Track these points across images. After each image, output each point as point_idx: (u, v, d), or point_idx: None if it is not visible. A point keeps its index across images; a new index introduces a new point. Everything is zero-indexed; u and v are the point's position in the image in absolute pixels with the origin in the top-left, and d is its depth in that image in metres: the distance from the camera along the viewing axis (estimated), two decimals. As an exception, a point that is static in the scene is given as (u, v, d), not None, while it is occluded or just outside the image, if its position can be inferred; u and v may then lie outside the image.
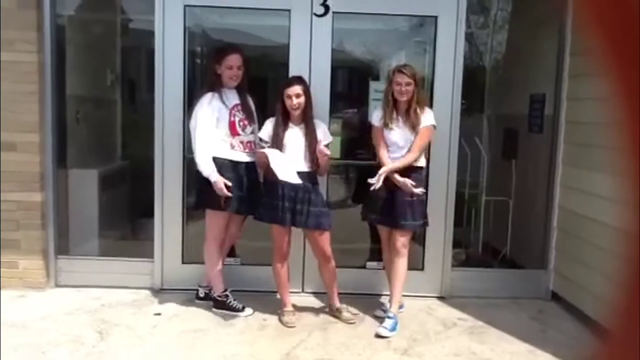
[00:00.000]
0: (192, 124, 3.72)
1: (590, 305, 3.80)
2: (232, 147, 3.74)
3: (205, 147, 3.67)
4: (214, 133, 3.68)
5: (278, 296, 3.92)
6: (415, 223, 3.73)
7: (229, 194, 3.64)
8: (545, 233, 4.44)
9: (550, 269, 4.40)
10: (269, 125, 3.73)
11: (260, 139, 3.76)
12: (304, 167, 3.65)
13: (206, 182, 3.68)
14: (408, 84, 3.59)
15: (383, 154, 3.70)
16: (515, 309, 4.19)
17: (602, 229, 3.68)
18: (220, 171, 3.67)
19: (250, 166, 3.80)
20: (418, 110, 3.63)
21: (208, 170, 3.66)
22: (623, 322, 0.44)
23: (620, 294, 0.44)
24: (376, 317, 3.88)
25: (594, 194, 3.82)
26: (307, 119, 3.67)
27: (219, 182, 3.62)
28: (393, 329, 3.67)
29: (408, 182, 3.59)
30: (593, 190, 3.83)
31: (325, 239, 3.74)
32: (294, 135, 3.67)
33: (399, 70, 3.64)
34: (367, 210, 3.84)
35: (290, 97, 3.61)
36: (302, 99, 3.63)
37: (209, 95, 3.72)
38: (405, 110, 3.67)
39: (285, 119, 3.68)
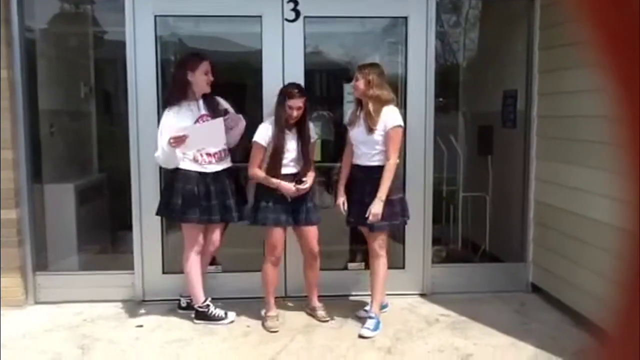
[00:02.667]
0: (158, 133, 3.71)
1: (570, 296, 3.86)
2: (196, 160, 3.73)
3: (160, 146, 3.64)
4: (164, 143, 3.63)
5: (263, 299, 3.89)
6: (385, 223, 3.66)
7: (186, 133, 3.56)
8: (523, 226, 4.50)
9: (529, 262, 4.46)
10: (263, 129, 3.75)
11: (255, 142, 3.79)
12: (297, 169, 3.72)
13: (171, 194, 3.69)
14: (357, 79, 3.64)
15: (343, 157, 3.85)
16: (497, 303, 4.24)
17: (577, 220, 3.74)
18: (186, 184, 3.69)
19: (219, 175, 3.79)
20: (371, 109, 3.60)
21: (164, 154, 3.62)
22: (623, 323, 0.43)
23: (620, 294, 0.44)
24: (359, 318, 3.89)
25: (568, 187, 3.88)
26: (301, 125, 3.74)
27: (169, 138, 3.55)
28: (376, 328, 3.68)
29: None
30: (567, 182, 3.90)
31: (315, 234, 3.81)
32: (289, 139, 3.72)
33: (357, 67, 3.75)
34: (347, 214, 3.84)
35: (292, 108, 3.66)
36: (301, 111, 3.69)
37: (174, 108, 3.72)
38: (365, 110, 3.67)
39: (284, 127, 3.70)
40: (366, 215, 3.58)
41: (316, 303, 3.96)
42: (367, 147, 3.67)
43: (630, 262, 0.42)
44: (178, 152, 3.65)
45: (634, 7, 0.39)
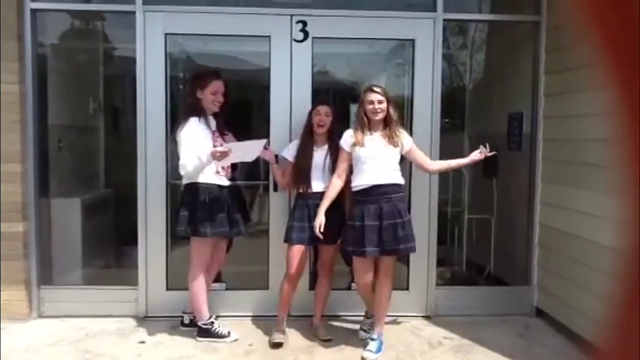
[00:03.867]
0: (180, 145, 3.68)
1: (575, 321, 3.83)
2: (217, 172, 3.75)
3: (192, 155, 3.59)
4: (199, 149, 3.61)
5: (268, 317, 3.91)
6: (412, 244, 3.62)
7: (231, 148, 3.56)
8: (528, 250, 4.48)
9: (534, 285, 4.44)
10: (292, 146, 3.87)
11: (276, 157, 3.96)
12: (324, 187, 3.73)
13: (194, 209, 3.68)
14: (380, 102, 3.56)
15: (334, 178, 3.64)
16: (501, 326, 4.21)
17: (582, 244, 3.73)
18: (211, 197, 3.68)
19: (230, 190, 3.81)
20: (396, 127, 3.62)
21: (200, 164, 3.59)
22: (620, 339, 0.44)
23: (616, 311, 0.44)
24: (361, 340, 3.86)
25: (573, 210, 3.88)
26: (330, 141, 3.79)
27: (214, 151, 3.54)
28: (378, 350, 3.66)
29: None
30: (572, 206, 3.89)
31: (330, 252, 3.86)
32: (318, 156, 3.78)
33: (370, 89, 3.61)
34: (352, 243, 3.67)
35: (319, 112, 3.77)
36: (329, 120, 3.77)
37: (194, 119, 3.73)
38: (382, 127, 3.62)
39: (310, 140, 3.80)
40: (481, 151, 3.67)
41: (317, 322, 3.95)
42: (385, 163, 3.56)
43: (629, 279, 0.42)
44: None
45: (633, 7, 0.39)
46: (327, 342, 3.83)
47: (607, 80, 0.41)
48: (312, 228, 3.65)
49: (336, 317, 4.13)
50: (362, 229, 3.49)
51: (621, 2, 0.40)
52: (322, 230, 3.57)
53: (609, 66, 0.41)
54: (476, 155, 3.71)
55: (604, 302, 0.46)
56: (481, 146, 3.70)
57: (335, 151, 3.73)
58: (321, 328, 3.92)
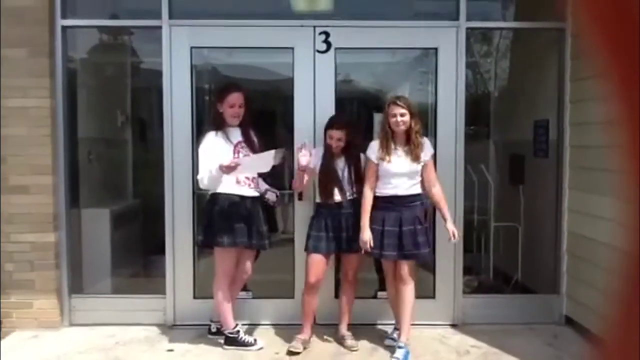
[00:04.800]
0: (198, 159, 3.78)
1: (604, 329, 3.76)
2: (238, 182, 3.79)
3: (206, 168, 3.68)
4: (214, 162, 3.66)
5: (293, 325, 3.94)
6: (426, 251, 3.75)
7: (239, 162, 3.62)
8: (556, 258, 4.42)
9: (562, 294, 4.37)
10: (315, 154, 3.89)
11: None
12: (347, 196, 3.78)
13: (211, 218, 3.73)
14: (403, 115, 3.63)
15: (367, 191, 3.70)
16: (529, 335, 4.16)
17: (611, 251, 3.67)
18: (229, 207, 3.73)
19: (254, 200, 3.85)
20: (419, 141, 3.68)
21: (212, 177, 3.65)
22: (621, 338, 0.44)
23: (619, 309, 0.44)
24: (387, 347, 3.86)
25: (601, 217, 3.82)
26: (347, 152, 3.82)
27: (221, 165, 3.58)
28: (405, 358, 3.66)
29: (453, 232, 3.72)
30: (601, 213, 3.83)
31: (354, 261, 3.88)
32: (338, 167, 3.82)
33: (393, 102, 3.68)
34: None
35: (332, 137, 3.78)
36: (341, 142, 3.77)
37: (212, 133, 3.81)
38: (404, 140, 3.70)
39: (330, 152, 3.82)
40: (450, 239, 3.69)
41: (345, 331, 3.95)
42: (409, 178, 3.69)
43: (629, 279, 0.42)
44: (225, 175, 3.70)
45: (633, 7, 0.39)
46: (355, 351, 3.83)
47: (613, 89, 0.42)
48: (329, 237, 3.76)
49: (361, 326, 4.12)
50: (382, 233, 3.65)
51: (623, 6, 0.40)
52: (372, 245, 3.65)
53: (614, 74, 0.42)
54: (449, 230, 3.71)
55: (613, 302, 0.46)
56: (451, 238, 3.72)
57: (354, 162, 3.80)
58: (348, 338, 3.91)
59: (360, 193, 3.74)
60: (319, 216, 3.85)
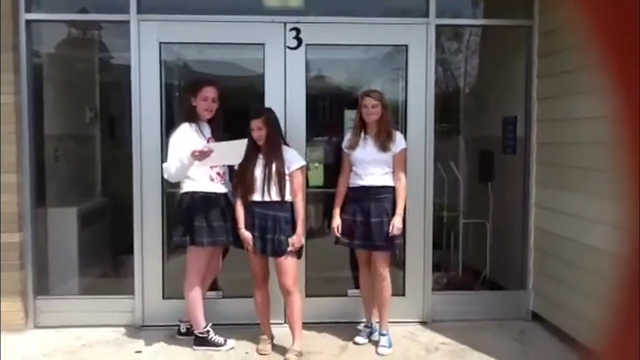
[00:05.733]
0: (168, 149, 3.72)
1: (571, 324, 3.83)
2: (212, 179, 3.76)
3: (176, 157, 3.61)
4: (186, 151, 3.61)
5: (273, 323, 3.95)
6: (397, 242, 3.80)
7: (212, 148, 3.57)
8: (523, 254, 4.49)
9: (529, 290, 4.44)
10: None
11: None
12: (266, 197, 3.61)
13: (189, 217, 3.69)
14: (374, 106, 3.75)
15: (340, 180, 3.87)
16: (497, 331, 4.21)
17: (577, 247, 3.74)
18: (206, 205, 3.69)
19: (227, 197, 3.82)
20: (388, 131, 3.77)
21: (182, 165, 3.60)
22: (619, 345, 0.43)
23: (615, 316, 0.43)
24: (356, 344, 3.89)
25: (567, 214, 3.89)
26: (267, 151, 3.65)
27: (193, 150, 3.54)
28: (390, 344, 3.84)
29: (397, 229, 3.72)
30: (567, 209, 3.90)
31: (285, 267, 3.65)
32: (258, 166, 3.66)
33: (366, 94, 3.81)
34: (342, 235, 3.85)
35: (252, 129, 3.67)
36: (262, 132, 3.64)
37: (185, 124, 3.76)
38: (376, 132, 3.78)
39: (253, 149, 3.67)
40: (389, 231, 3.68)
41: (294, 346, 3.73)
42: (376, 167, 3.76)
43: (630, 285, 0.41)
44: (193, 168, 3.64)
45: (633, 7, 0.38)
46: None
47: (608, 84, 0.41)
48: (255, 237, 3.65)
49: (332, 324, 4.12)
50: (353, 223, 3.76)
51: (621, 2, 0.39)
52: (339, 231, 3.79)
53: (610, 68, 0.41)
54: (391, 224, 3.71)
55: (600, 306, 0.45)
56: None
57: (271, 161, 3.61)
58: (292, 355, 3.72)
59: (282, 196, 3.61)
60: (248, 217, 3.69)
